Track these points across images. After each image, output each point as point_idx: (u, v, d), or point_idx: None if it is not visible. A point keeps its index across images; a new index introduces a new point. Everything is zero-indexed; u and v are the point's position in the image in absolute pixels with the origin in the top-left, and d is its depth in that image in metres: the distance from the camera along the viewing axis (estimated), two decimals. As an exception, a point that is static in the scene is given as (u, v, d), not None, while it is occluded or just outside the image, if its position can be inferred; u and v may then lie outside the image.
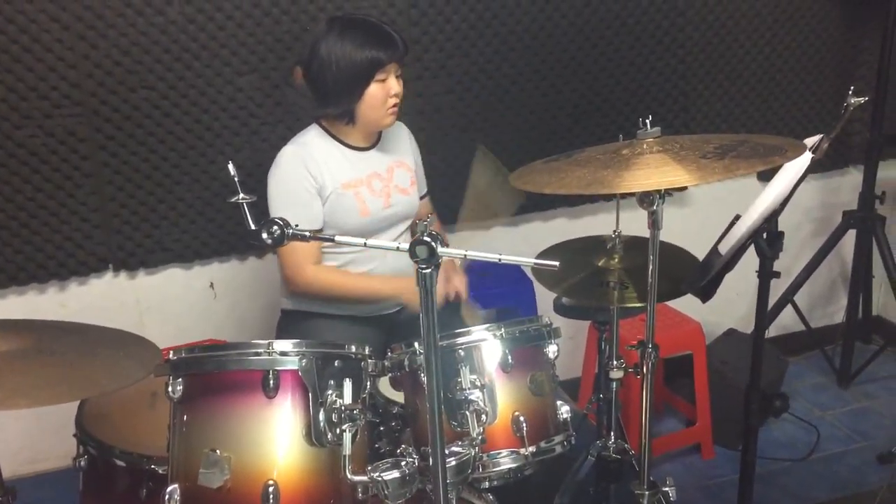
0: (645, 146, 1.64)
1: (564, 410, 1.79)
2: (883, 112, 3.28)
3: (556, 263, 1.33)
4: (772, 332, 3.68)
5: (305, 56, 2.41)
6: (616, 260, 2.20)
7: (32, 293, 2.90)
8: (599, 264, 2.22)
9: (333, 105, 2.37)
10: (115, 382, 1.60)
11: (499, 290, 3.08)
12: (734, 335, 3.47)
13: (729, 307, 3.57)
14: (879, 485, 3.04)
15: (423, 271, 1.33)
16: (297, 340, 1.57)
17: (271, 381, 1.51)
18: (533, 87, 3.20)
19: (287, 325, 2.56)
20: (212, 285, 3.12)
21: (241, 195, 1.50)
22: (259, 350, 1.54)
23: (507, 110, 3.20)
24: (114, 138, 2.81)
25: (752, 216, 1.93)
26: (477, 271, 2.97)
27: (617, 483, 2.29)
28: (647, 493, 1.85)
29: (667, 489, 1.84)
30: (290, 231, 1.39)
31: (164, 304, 3.08)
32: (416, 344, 1.75)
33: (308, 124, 2.89)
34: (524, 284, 3.12)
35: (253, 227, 1.43)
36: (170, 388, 1.56)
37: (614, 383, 2.28)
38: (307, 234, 1.42)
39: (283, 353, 1.54)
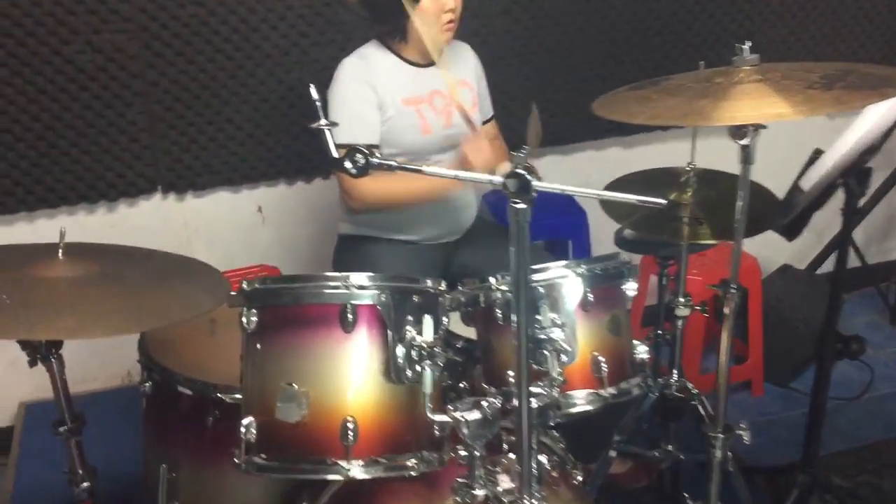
0: (742, 74, 1.54)
1: (641, 350, 1.73)
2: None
3: (663, 201, 1.25)
4: (825, 266, 3.60)
5: None
6: (689, 194, 2.12)
7: (82, 213, 2.86)
8: (671, 198, 2.14)
9: (383, 21, 2.28)
10: (186, 311, 1.56)
11: (551, 221, 3.00)
12: (789, 271, 3.39)
13: (784, 242, 3.47)
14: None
15: (516, 206, 1.26)
16: (374, 274, 1.50)
17: (349, 316, 1.46)
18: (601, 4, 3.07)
19: (344, 251, 2.51)
20: (259, 209, 3.07)
21: (323, 120, 1.42)
22: (336, 283, 1.48)
23: (572, 33, 3.07)
24: (162, 56, 2.73)
25: (840, 151, 1.83)
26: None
27: (677, 422, 2.25)
28: (721, 436, 1.80)
29: (741, 432, 1.79)
30: (376, 161, 1.31)
31: (211, 227, 3.03)
32: (492, 279, 1.69)
33: (361, 44, 2.82)
34: (578, 216, 3.04)
35: (336, 154, 1.36)
36: (244, 319, 1.51)
37: (680, 321, 2.21)
38: (394, 163, 1.34)
39: (361, 287, 1.48)
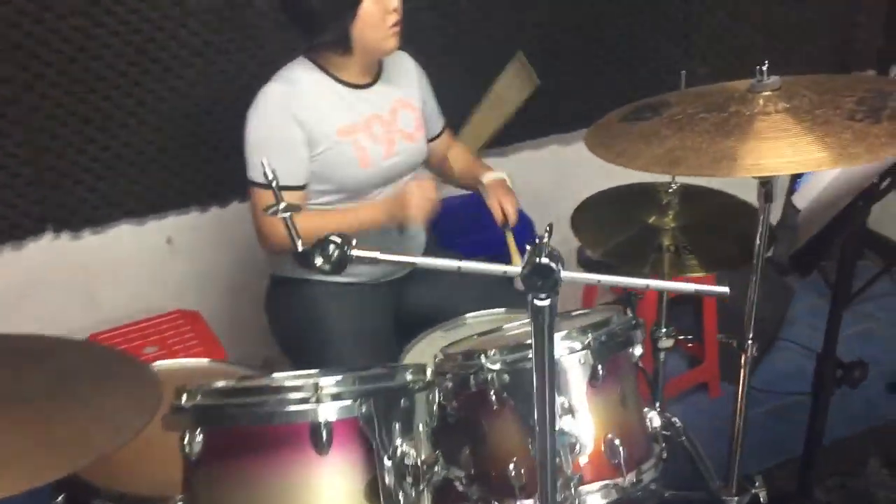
0: (762, 101, 1.32)
1: (653, 417, 1.51)
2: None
3: (726, 290, 1.02)
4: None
5: None
6: (670, 217, 1.89)
7: (-41, 266, 2.46)
8: (650, 221, 1.91)
9: (322, 31, 1.97)
10: (110, 441, 1.23)
11: (490, 235, 2.74)
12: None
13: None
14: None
15: (540, 303, 1.00)
16: (348, 374, 1.23)
17: (324, 435, 1.18)
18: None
19: (279, 296, 2.22)
20: (169, 240, 2.72)
21: (282, 204, 1.12)
22: (304, 394, 1.19)
23: (504, 27, 2.80)
24: (43, 76, 2.33)
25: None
26: (470, 212, 2.64)
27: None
28: (735, 499, 1.60)
29: (757, 491, 1.60)
30: (354, 253, 1.03)
31: (115, 267, 2.67)
32: (483, 357, 1.42)
33: (273, 50, 2.50)
34: (521, 226, 2.79)
35: (300, 248, 1.07)
36: (186, 445, 1.21)
37: (662, 353, 2.01)
38: (377, 255, 1.06)
39: (336, 397, 1.19)
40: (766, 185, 1.35)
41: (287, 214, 1.16)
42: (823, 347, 1.84)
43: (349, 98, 2.05)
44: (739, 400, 1.51)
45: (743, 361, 1.50)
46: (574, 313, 1.67)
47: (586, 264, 2.21)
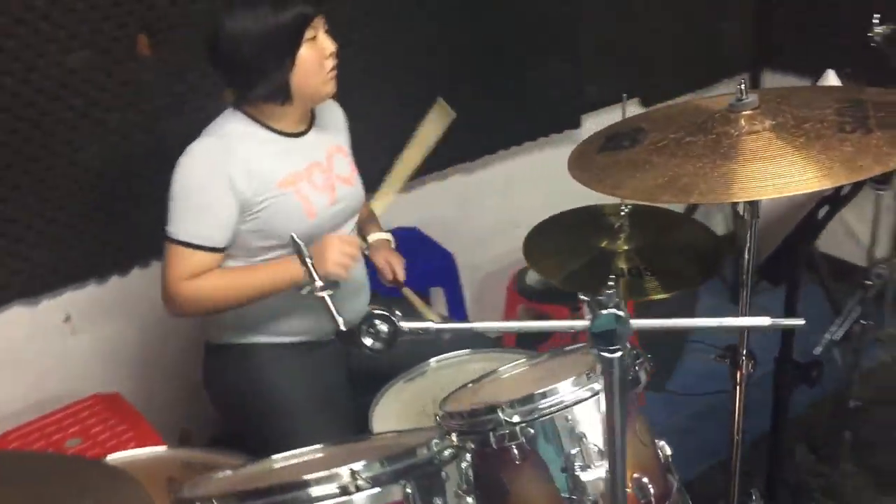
0: (743, 121, 1.32)
1: (664, 447, 1.48)
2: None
3: (802, 321, 0.99)
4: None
5: (206, 35, 1.88)
6: (622, 239, 1.89)
7: None
8: (602, 245, 1.90)
9: (260, 84, 1.86)
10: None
11: (417, 270, 2.68)
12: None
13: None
14: (811, 401, 3.02)
15: (608, 356, 0.94)
16: (381, 457, 1.12)
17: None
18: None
19: (219, 367, 2.06)
20: (67, 318, 2.49)
21: (318, 283, 1.01)
22: (340, 484, 1.08)
23: (405, 59, 2.75)
24: (-89, 152, 2.09)
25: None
26: (409, 245, 2.58)
27: None
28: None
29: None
30: (407, 326, 0.94)
31: (10, 353, 2.41)
32: (500, 412, 1.34)
33: (164, 104, 2.34)
34: (446, 260, 2.75)
35: (343, 327, 0.96)
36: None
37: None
38: (432, 322, 0.97)
39: (375, 482, 1.09)
40: (753, 203, 1.35)
41: (328, 293, 1.05)
42: (780, 350, 1.88)
43: (287, 147, 1.95)
44: (736, 422, 1.50)
45: (738, 379, 1.49)
46: (568, 350, 1.62)
47: (525, 292, 2.17)
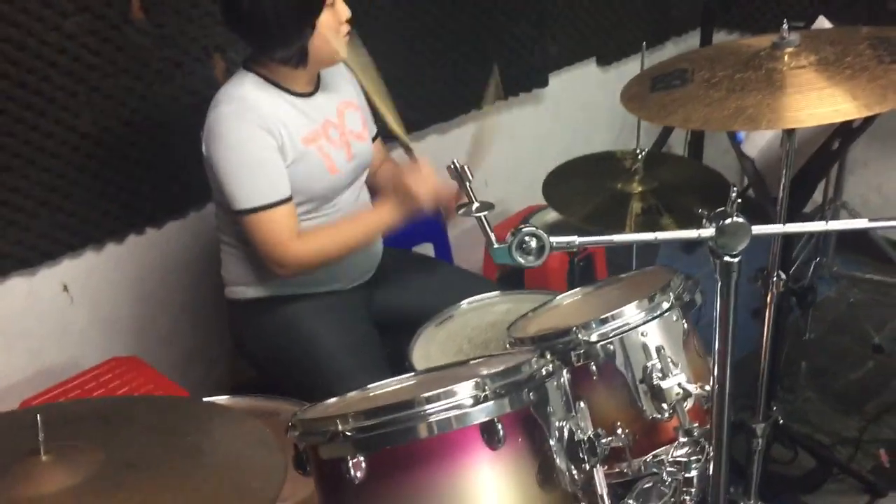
0: (787, 57, 1.45)
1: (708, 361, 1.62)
2: None
3: None
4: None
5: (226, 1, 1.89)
6: (636, 181, 2.02)
7: None
8: (619, 187, 2.03)
9: (281, 46, 1.89)
10: (267, 482, 1.15)
11: (413, 226, 2.76)
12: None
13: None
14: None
15: (730, 259, 1.06)
16: (504, 368, 1.21)
17: (500, 431, 1.17)
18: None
19: (250, 318, 2.10)
20: (65, 288, 2.47)
21: (475, 205, 1.09)
22: (474, 393, 1.17)
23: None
24: (-89, 121, 2.04)
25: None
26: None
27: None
28: (762, 424, 1.75)
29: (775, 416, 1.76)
30: (553, 240, 1.03)
31: (8, 324, 2.39)
32: (577, 332, 1.45)
33: (159, 69, 2.36)
34: (435, 217, 2.83)
35: (495, 243, 1.05)
36: (349, 468, 1.15)
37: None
38: (573, 239, 1.07)
39: (502, 392, 1.18)
40: (790, 133, 1.49)
41: (484, 213, 1.13)
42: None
43: (302, 107, 1.99)
44: (765, 335, 1.65)
45: (769, 299, 1.64)
46: (620, 278, 1.74)
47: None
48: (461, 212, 1.18)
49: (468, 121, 3.21)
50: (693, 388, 1.39)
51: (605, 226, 1.95)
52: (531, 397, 1.19)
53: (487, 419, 1.16)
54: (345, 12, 1.92)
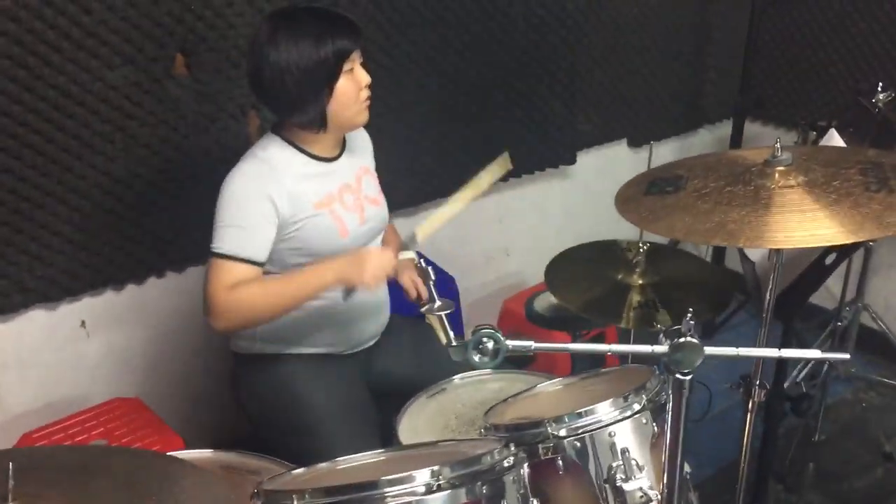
0: (777, 175, 1.49)
1: (684, 464, 1.62)
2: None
3: (848, 356, 1.15)
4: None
5: (249, 64, 1.99)
6: (637, 274, 2.05)
7: None
8: (619, 278, 2.06)
9: (300, 113, 1.97)
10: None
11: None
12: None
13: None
14: (779, 435, 3.20)
15: (682, 377, 1.09)
16: (462, 459, 1.25)
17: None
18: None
19: (251, 376, 2.15)
20: (83, 324, 2.56)
21: (437, 303, 1.14)
22: (426, 482, 1.20)
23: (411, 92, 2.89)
24: (-46, 159, 2.16)
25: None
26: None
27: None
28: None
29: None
30: (510, 343, 1.07)
31: (26, 355, 2.48)
32: (548, 426, 1.48)
33: (195, 122, 2.46)
34: (448, 284, 2.88)
35: (454, 343, 1.09)
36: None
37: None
38: (532, 344, 1.11)
39: (455, 483, 1.22)
40: (777, 251, 1.52)
41: (445, 312, 1.18)
42: (773, 382, 2.04)
43: (322, 171, 2.06)
44: (744, 444, 1.66)
45: (750, 406, 1.65)
46: (602, 372, 1.76)
47: (533, 318, 2.32)
48: (423, 309, 1.23)
49: (491, 192, 3.25)
50: (654, 494, 1.40)
51: (601, 315, 1.98)
52: (484, 490, 1.22)
53: (442, 512, 1.20)
54: (364, 78, 1.99)
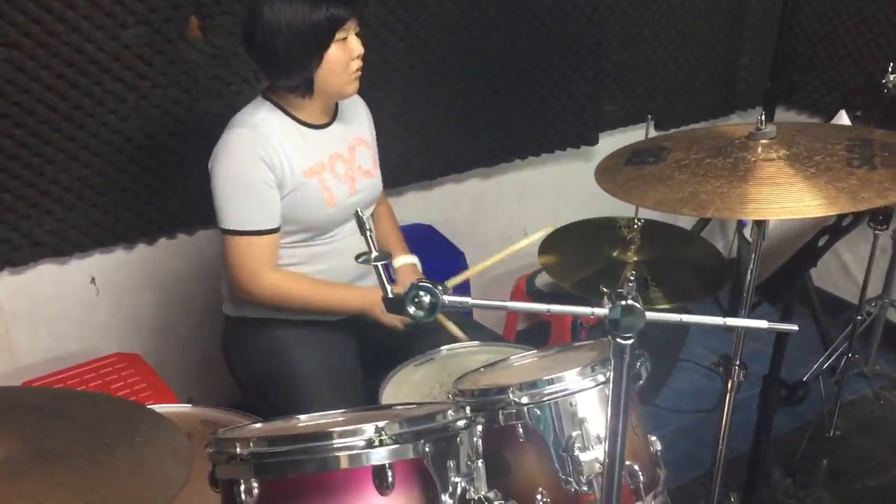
0: (760, 149, 1.44)
1: (655, 441, 1.60)
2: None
3: (795, 327, 1.11)
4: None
5: (244, 20, 1.98)
6: (633, 251, 2.01)
7: None
8: (614, 255, 2.02)
9: (287, 76, 1.97)
10: (161, 494, 1.20)
11: (429, 266, 2.80)
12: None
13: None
14: (792, 427, 3.14)
15: (623, 342, 1.07)
16: (402, 415, 1.24)
17: (389, 476, 1.19)
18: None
19: (241, 336, 2.17)
20: (93, 280, 2.60)
21: (374, 254, 1.13)
22: (368, 437, 1.20)
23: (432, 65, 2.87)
24: (-33, 111, 2.21)
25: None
26: (420, 242, 2.69)
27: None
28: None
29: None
30: (447, 298, 1.06)
31: (34, 307, 2.53)
32: (510, 392, 1.47)
33: (208, 85, 2.46)
34: (457, 258, 2.87)
35: (391, 294, 1.08)
36: (241, 492, 1.19)
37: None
38: (469, 300, 1.09)
39: (398, 439, 1.21)
40: (761, 223, 1.47)
41: (382, 262, 1.17)
42: (770, 369, 2.00)
43: (311, 138, 2.05)
44: (723, 428, 1.62)
45: (729, 386, 1.61)
46: (576, 345, 1.74)
47: (534, 294, 2.29)
48: (360, 260, 1.22)
49: (510, 169, 3.24)
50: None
51: (594, 294, 1.95)
52: (426, 449, 1.21)
53: (379, 464, 1.19)
54: (357, 49, 1.97)
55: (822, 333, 3.31)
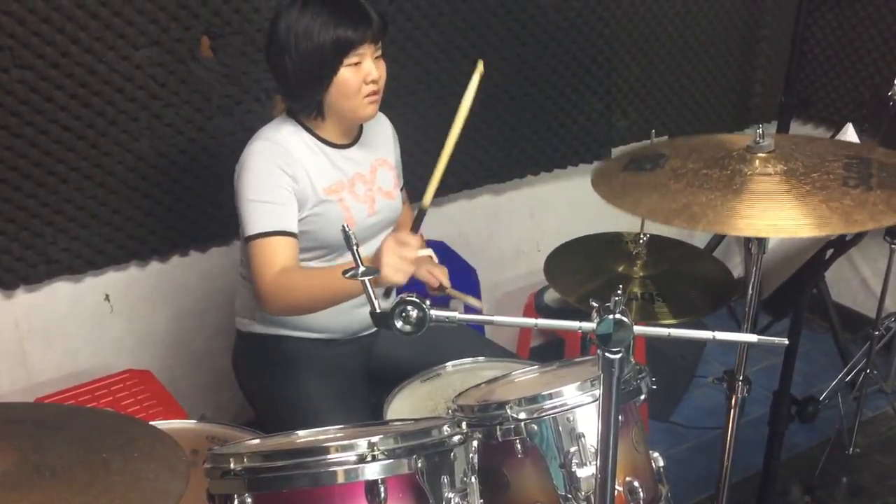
0: (758, 162, 1.43)
1: (658, 458, 1.58)
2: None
3: (786, 341, 1.10)
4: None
5: (267, 33, 2.00)
6: (639, 266, 2.00)
7: None
8: (619, 270, 2.01)
9: (295, 97, 1.98)
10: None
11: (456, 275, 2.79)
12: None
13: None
14: (811, 443, 3.10)
15: (611, 357, 1.06)
16: (397, 431, 1.24)
17: (381, 492, 1.19)
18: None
19: (251, 352, 2.18)
20: (107, 297, 2.63)
21: (361, 268, 1.14)
22: (361, 452, 1.20)
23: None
24: (-18, 131, 2.24)
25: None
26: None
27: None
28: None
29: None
30: (433, 313, 1.06)
31: (49, 324, 2.56)
32: (507, 407, 1.46)
33: (220, 104, 2.50)
34: (467, 274, 2.87)
35: (378, 309, 1.09)
36: (235, 505, 1.20)
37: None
38: (456, 315, 1.09)
39: (392, 454, 1.21)
40: (761, 239, 1.46)
41: (368, 277, 1.18)
42: (779, 385, 1.97)
43: (333, 157, 2.05)
44: (727, 444, 1.60)
45: (733, 402, 1.60)
46: (579, 361, 1.73)
47: (542, 310, 2.28)
48: (348, 275, 1.22)
49: (522, 185, 3.24)
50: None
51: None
52: (418, 464, 1.21)
53: (372, 479, 1.19)
54: (371, 73, 1.95)
55: (841, 349, 3.28)
